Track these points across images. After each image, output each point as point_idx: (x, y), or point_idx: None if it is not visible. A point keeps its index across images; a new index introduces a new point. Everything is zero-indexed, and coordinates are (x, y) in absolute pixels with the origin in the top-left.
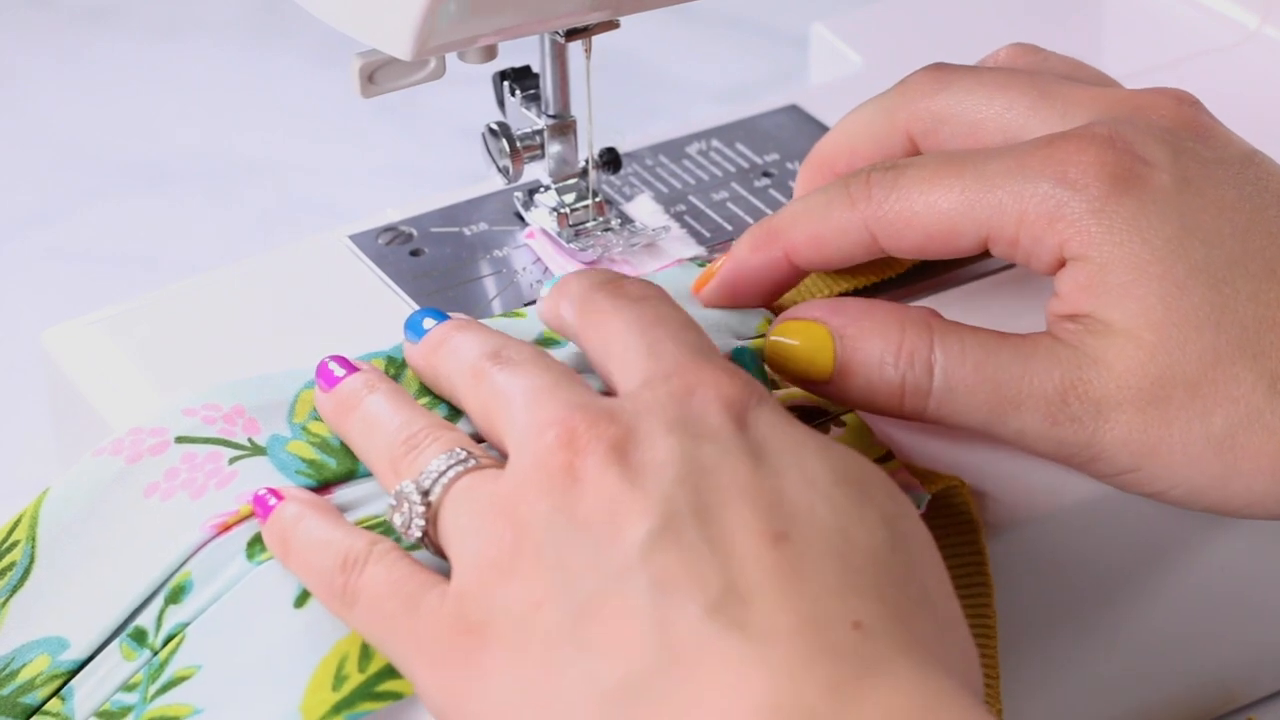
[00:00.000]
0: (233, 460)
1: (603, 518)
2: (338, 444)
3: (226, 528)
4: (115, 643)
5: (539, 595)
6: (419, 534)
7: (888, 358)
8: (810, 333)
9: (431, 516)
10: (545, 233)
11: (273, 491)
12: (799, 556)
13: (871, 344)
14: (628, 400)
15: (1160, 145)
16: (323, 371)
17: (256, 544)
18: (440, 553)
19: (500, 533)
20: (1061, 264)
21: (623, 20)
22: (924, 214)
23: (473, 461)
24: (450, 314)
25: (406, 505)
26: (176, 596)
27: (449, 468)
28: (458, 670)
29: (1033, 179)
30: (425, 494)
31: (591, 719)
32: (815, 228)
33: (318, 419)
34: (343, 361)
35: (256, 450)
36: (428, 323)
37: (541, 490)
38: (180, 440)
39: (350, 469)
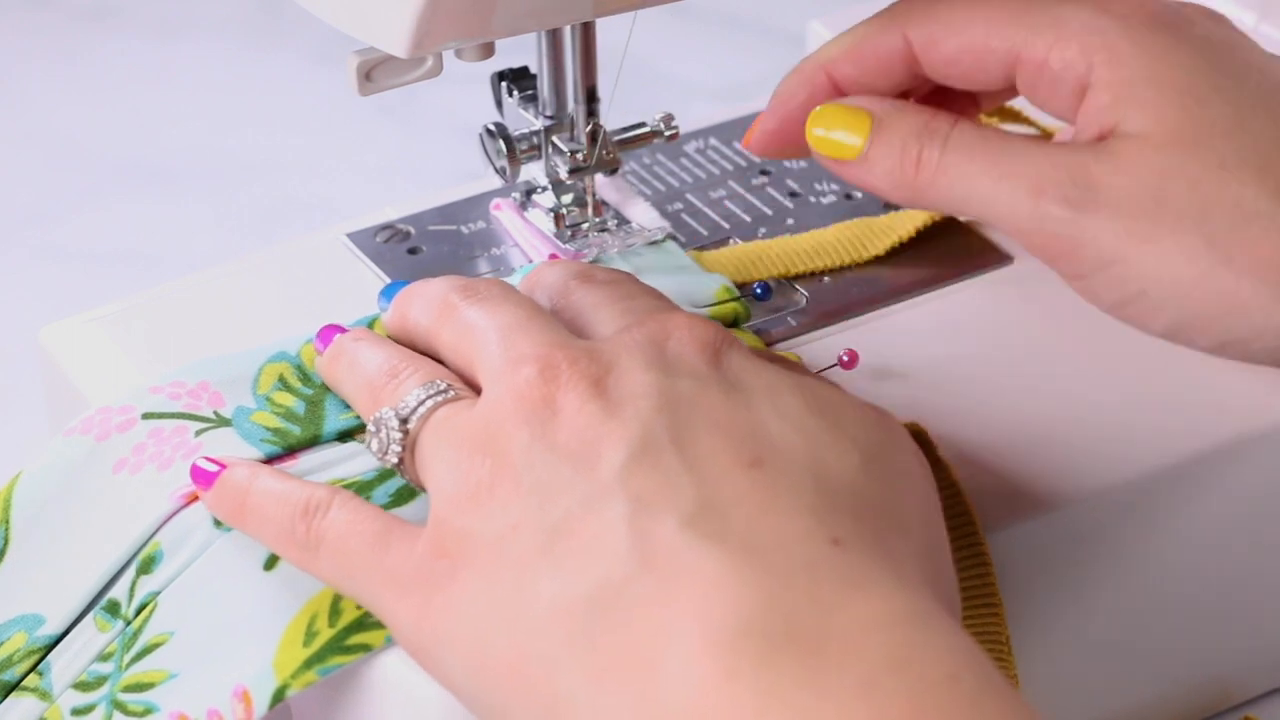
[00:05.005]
0: (199, 432)
1: (581, 445)
2: (302, 412)
3: (194, 497)
4: (89, 616)
5: (515, 519)
6: (396, 459)
7: (910, 135)
8: (849, 113)
9: (410, 445)
10: (512, 205)
11: (211, 460)
12: (775, 479)
13: (902, 120)
14: (605, 343)
15: (1203, 15)
16: (321, 335)
17: None
18: (418, 482)
19: (479, 463)
20: (1082, 94)
21: (619, 18)
22: (962, 26)
23: (451, 393)
24: None
25: (385, 430)
26: (147, 567)
27: (428, 398)
28: (431, 596)
29: (1073, 5)
30: (404, 422)
31: (564, 629)
32: (853, 41)
33: (281, 389)
34: (339, 328)
35: (222, 422)
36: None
37: (520, 420)
38: (147, 416)
39: (315, 434)
